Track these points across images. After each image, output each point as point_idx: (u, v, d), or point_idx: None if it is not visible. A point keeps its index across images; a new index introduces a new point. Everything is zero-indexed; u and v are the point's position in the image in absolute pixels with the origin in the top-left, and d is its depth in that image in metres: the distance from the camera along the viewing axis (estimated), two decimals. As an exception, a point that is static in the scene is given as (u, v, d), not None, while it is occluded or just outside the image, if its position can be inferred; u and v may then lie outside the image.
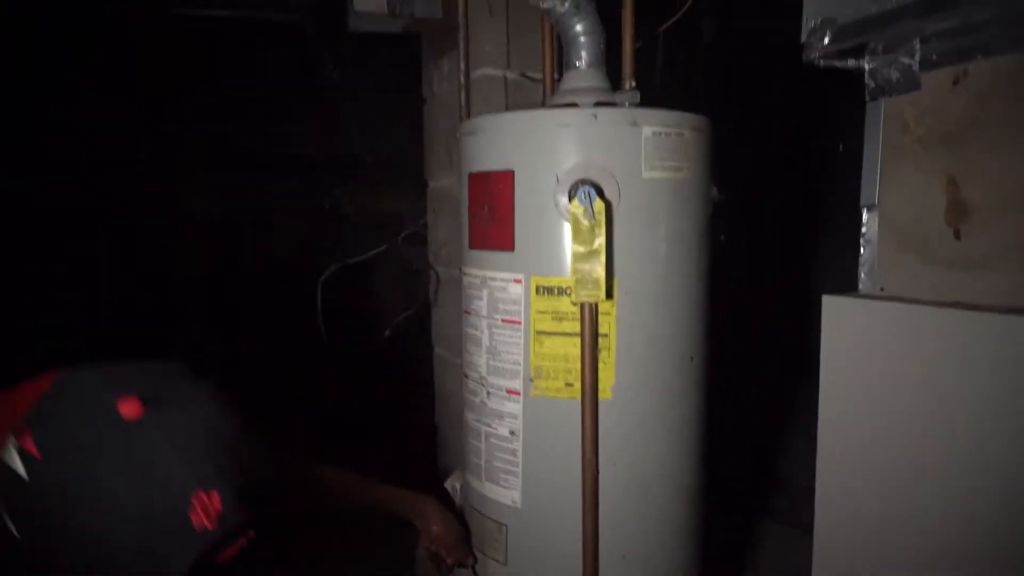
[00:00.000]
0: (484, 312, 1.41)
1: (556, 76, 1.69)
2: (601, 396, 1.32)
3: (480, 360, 1.44)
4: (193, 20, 3.50)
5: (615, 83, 1.48)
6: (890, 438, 1.14)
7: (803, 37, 1.15)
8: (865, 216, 1.19)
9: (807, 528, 1.27)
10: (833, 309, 1.20)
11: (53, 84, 2.28)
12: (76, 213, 2.31)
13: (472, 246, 1.44)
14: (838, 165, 2.42)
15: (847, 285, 1.26)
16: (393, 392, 2.87)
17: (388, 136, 2.83)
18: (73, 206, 2.26)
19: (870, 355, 1.16)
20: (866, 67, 1.16)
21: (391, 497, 1.56)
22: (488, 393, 1.43)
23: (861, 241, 1.20)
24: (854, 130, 1.27)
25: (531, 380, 1.36)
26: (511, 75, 1.82)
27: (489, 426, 1.44)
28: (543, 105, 1.63)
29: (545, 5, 1.43)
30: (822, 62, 1.15)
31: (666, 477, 1.40)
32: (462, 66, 1.81)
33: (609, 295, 1.28)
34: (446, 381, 2.21)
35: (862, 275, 1.21)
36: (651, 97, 1.48)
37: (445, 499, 1.72)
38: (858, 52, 1.15)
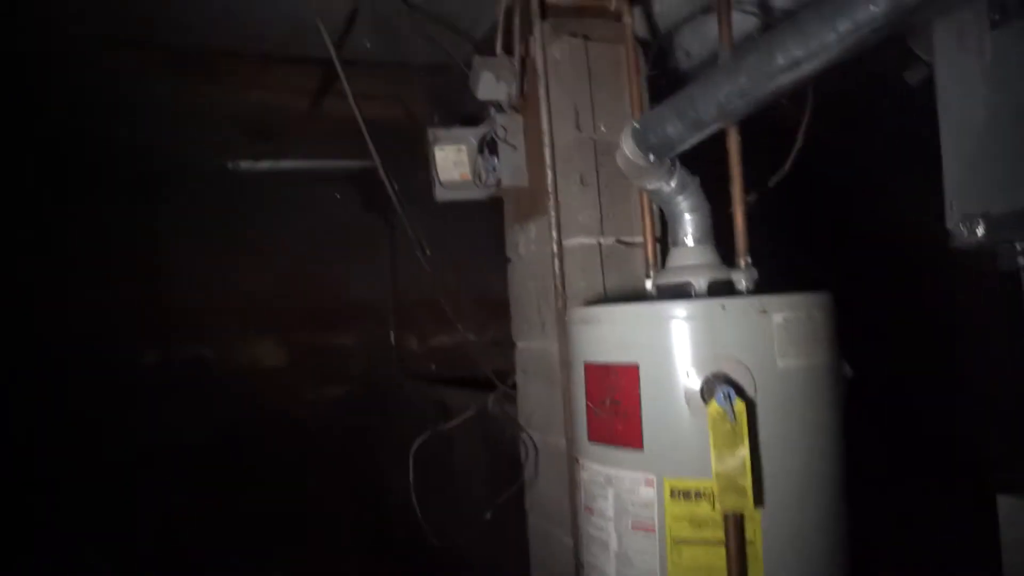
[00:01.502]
0: (611, 514, 1.31)
1: (656, 239, 1.66)
2: (751, 610, 1.20)
3: (609, 568, 1.33)
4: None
5: (724, 250, 1.43)
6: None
7: (949, 224, 1.09)
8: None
9: None
10: (1013, 511, 1.09)
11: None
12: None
13: (592, 439, 1.36)
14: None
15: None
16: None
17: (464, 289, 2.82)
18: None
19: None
20: (1019, 247, 1.08)
21: None
22: (620, 604, 1.32)
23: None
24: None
25: (670, 592, 1.25)
26: (605, 241, 1.78)
27: (622, 640, 1.32)
28: (647, 276, 1.58)
29: (651, 187, 1.40)
30: (972, 249, 1.08)
31: None
32: (554, 235, 1.78)
33: (755, 500, 1.17)
34: (544, 553, 2.09)
35: (1041, 472, 1.10)
36: (762, 259, 1.43)
37: None
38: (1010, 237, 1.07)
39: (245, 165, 3.56)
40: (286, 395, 4.35)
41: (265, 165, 3.52)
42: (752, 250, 1.44)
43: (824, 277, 1.38)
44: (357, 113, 1.85)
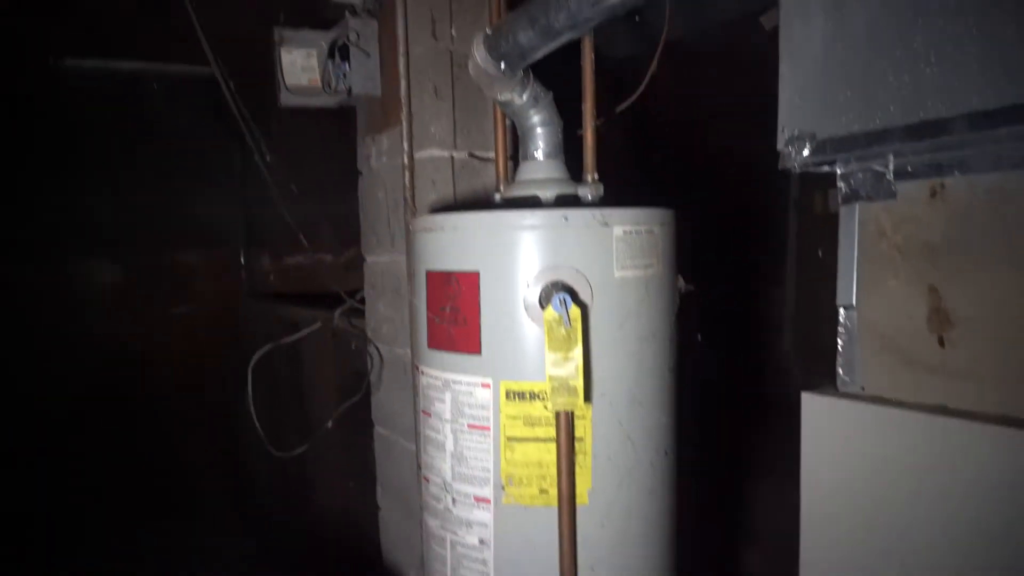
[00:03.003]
0: (447, 416, 1.34)
1: (508, 155, 1.66)
2: (578, 501, 1.27)
3: (444, 465, 1.36)
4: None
5: (573, 170, 1.46)
6: (872, 539, 1.13)
7: (779, 145, 1.15)
8: (842, 315, 1.19)
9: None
10: (813, 407, 1.20)
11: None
12: None
13: (432, 346, 1.37)
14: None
15: (814, 374, 1.26)
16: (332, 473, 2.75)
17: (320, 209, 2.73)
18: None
19: (851, 454, 1.16)
20: (839, 171, 1.17)
21: None
22: (454, 500, 1.36)
23: (839, 339, 1.20)
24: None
25: (502, 487, 1.30)
26: (458, 155, 1.77)
27: (455, 534, 1.37)
28: (497, 191, 1.59)
29: (503, 98, 1.40)
30: (798, 169, 1.15)
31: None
32: (405, 147, 1.76)
33: (586, 399, 1.23)
34: (389, 461, 2.12)
35: (840, 372, 1.21)
36: (610, 183, 1.46)
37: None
38: (831, 159, 1.15)
39: (71, 63, 3.23)
40: (125, 317, 4.09)
41: (93, 63, 3.20)
42: (608, 173, 1.47)
43: (674, 199, 1.43)
44: (189, 7, 1.72)
